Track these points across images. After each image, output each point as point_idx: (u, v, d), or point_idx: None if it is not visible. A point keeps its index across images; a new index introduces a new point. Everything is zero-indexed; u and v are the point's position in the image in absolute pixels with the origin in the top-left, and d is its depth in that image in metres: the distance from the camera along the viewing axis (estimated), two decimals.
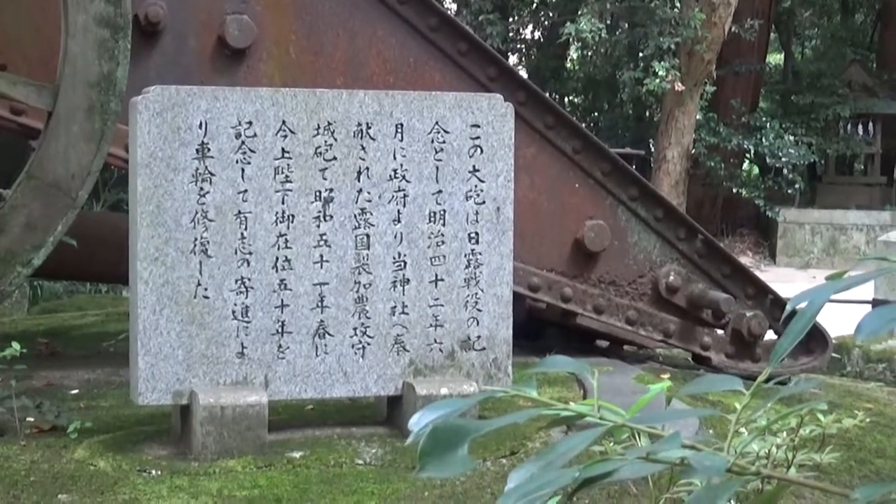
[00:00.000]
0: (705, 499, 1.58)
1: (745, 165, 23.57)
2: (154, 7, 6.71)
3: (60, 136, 5.79)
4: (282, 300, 5.46)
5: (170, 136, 5.35)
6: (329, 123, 5.51)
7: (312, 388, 5.49)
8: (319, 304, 5.47)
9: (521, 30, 25.17)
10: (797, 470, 3.00)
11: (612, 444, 3.16)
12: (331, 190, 5.48)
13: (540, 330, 7.26)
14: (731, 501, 1.74)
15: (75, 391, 6.38)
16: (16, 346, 5.97)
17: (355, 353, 5.51)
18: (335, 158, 5.49)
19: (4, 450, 5.41)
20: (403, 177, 5.57)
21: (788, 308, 1.80)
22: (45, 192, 5.78)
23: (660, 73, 18.98)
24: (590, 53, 24.15)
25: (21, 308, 8.98)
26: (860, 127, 24.35)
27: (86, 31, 5.78)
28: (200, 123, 5.36)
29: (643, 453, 1.62)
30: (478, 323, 5.67)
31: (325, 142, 5.52)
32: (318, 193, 5.47)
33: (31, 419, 5.75)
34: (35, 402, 5.88)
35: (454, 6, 24.10)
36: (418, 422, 1.66)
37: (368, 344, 5.52)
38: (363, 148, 5.51)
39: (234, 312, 5.39)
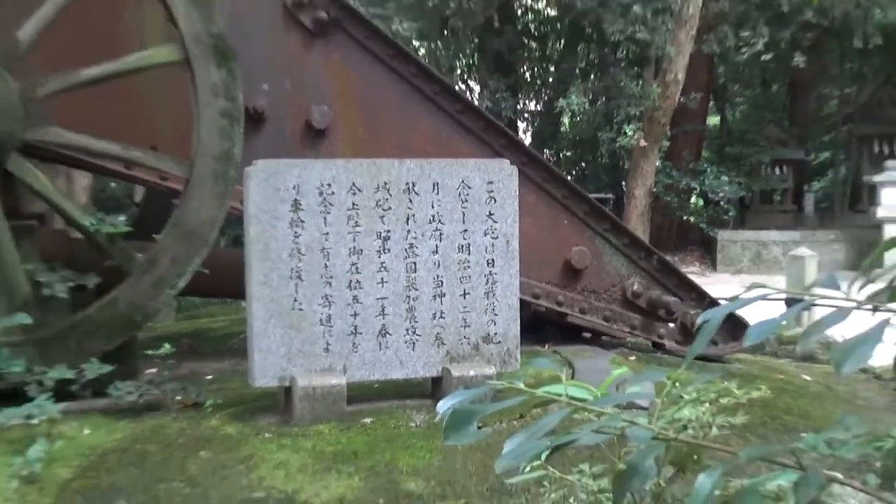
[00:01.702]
0: (637, 459, 1.68)
1: (693, 199, 23.44)
2: (260, 101, 6.69)
3: (195, 196, 5.83)
4: (354, 311, 5.46)
5: (272, 195, 5.37)
6: (385, 183, 5.51)
7: (378, 373, 5.52)
8: (381, 312, 5.50)
9: (526, 103, 25.17)
10: (718, 430, 3.02)
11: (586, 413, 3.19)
12: (388, 231, 5.50)
13: (541, 326, 7.24)
14: (662, 457, 1.79)
15: (210, 377, 6.48)
16: (167, 346, 6.10)
17: (407, 347, 5.56)
18: (390, 208, 5.49)
19: (160, 420, 5.47)
20: (439, 220, 5.60)
21: (699, 321, 1.89)
22: (185, 236, 5.82)
23: (629, 133, 18.97)
24: (577, 120, 24.10)
25: (170, 316, 9.04)
26: (776, 169, 24.23)
27: (212, 121, 5.82)
28: (294, 185, 5.38)
29: (595, 427, 1.71)
30: (495, 324, 5.70)
31: (383, 196, 5.51)
32: (378, 234, 5.49)
33: (179, 398, 5.80)
34: (181, 385, 6.03)
35: (477, 87, 24.15)
36: (443, 405, 1.77)
37: (417, 340, 5.57)
38: (410, 200, 5.54)
39: (320, 320, 5.41)
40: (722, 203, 23.26)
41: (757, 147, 24.39)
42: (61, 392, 5.32)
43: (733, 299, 1.83)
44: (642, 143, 19.12)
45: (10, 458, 4.75)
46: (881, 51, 23.26)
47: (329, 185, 5.47)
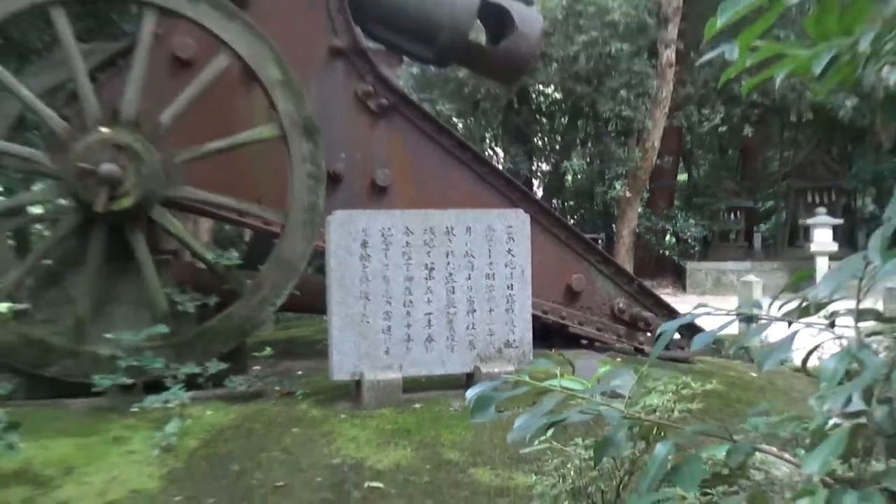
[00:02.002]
0: (611, 433, 1.75)
1: (667, 237, 23.28)
2: (338, 166, 6.64)
3: (289, 237, 5.82)
4: (408, 323, 5.44)
5: (347, 237, 5.37)
6: (431, 227, 5.50)
7: (425, 370, 5.51)
8: (428, 324, 5.49)
9: (539, 165, 25.17)
10: (679, 413, 3.05)
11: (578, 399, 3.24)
12: (433, 263, 5.50)
13: (549, 335, 7.15)
14: (630, 433, 1.85)
15: (300, 373, 6.44)
16: (268, 349, 6.19)
17: (448, 350, 5.53)
18: (435, 246, 5.47)
19: (263, 405, 5.46)
20: (471, 255, 5.59)
21: (659, 331, 1.96)
22: (282, 267, 5.82)
23: (617, 187, 18.92)
24: (578, 177, 24.07)
25: (270, 327, 9.07)
26: (731, 214, 24.06)
27: (302, 181, 5.82)
28: (363, 229, 5.38)
29: (580, 409, 1.78)
30: (513, 333, 5.68)
31: (429, 237, 5.49)
32: (426, 265, 5.48)
33: (277, 388, 5.81)
34: (279, 379, 6.01)
35: (501, 152, 24.24)
36: (471, 393, 1.85)
37: (455, 345, 5.55)
38: (450, 240, 5.54)
39: (382, 330, 5.40)
40: (689, 240, 23.08)
41: (716, 198, 24.21)
42: (190, 383, 5.39)
43: (686, 315, 1.91)
44: (627, 194, 19.03)
45: (153, 433, 4.80)
46: (812, 123, 23.17)
47: (389, 228, 5.46)
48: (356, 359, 5.40)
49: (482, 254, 5.68)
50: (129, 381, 5.27)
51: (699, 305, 1.89)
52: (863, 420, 1.55)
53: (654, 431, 2.05)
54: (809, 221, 20.53)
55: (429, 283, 5.58)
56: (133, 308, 5.74)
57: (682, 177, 27.38)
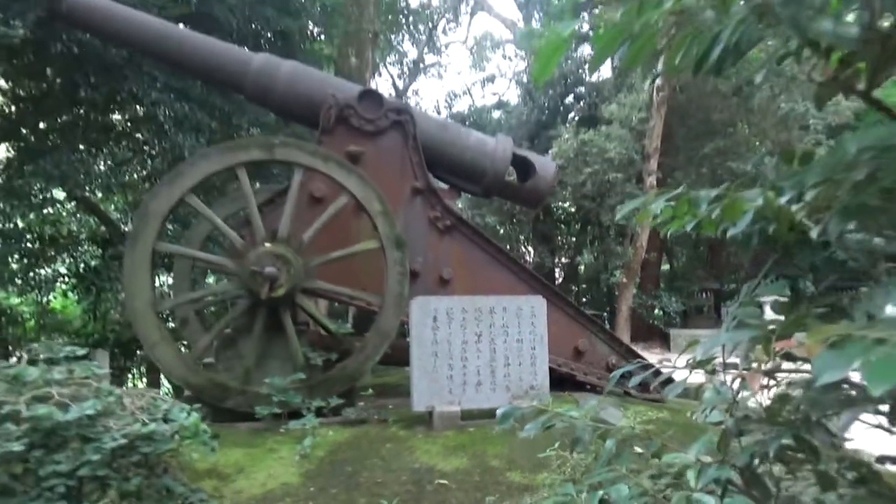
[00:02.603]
0: (579, 435, 2.11)
1: (655, 311, 23.10)
2: (416, 266, 6.75)
3: (385, 314, 6.03)
4: (464, 373, 5.57)
5: (423, 314, 5.58)
6: (479, 308, 5.67)
7: (476, 405, 5.55)
8: (477, 374, 5.61)
9: (560, 260, 25.33)
10: (638, 429, 3.27)
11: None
12: (480, 332, 5.66)
13: (561, 382, 7.00)
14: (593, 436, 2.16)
15: (391, 406, 6.35)
16: (370, 390, 6.27)
17: (491, 391, 5.62)
18: (481, 320, 5.64)
19: (367, 428, 5.53)
20: (506, 326, 5.72)
21: (611, 374, 2.29)
22: (380, 335, 6.00)
23: (617, 275, 19.03)
24: (588, 268, 24.13)
25: (369, 375, 9.23)
26: (703, 294, 23.83)
27: (394, 277, 6.06)
28: (434, 309, 5.60)
29: (566, 423, 2.12)
30: (535, 380, 5.75)
31: (478, 314, 5.64)
32: (476, 333, 5.65)
33: (376, 417, 5.84)
34: (377, 411, 6.00)
35: (531, 250, 24.51)
36: (499, 414, 2.19)
37: (496, 388, 5.64)
38: (492, 317, 5.70)
39: (446, 377, 5.54)
40: (672, 313, 22.81)
41: (691, 282, 23.86)
42: (318, 413, 5.55)
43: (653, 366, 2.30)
44: (624, 280, 19.10)
45: (294, 446, 5.02)
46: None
47: (451, 309, 5.64)
48: (429, 397, 5.53)
49: (514, 325, 5.78)
50: (279, 410, 5.50)
51: (662, 360, 2.23)
52: (723, 426, 1.93)
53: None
54: (762, 299, 20.18)
55: (478, 346, 5.70)
56: (282, 362, 5.98)
57: (665, 266, 27.15)
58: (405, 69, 27.78)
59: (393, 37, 24.86)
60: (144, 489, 3.10)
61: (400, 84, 27.79)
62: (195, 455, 4.52)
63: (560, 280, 24.31)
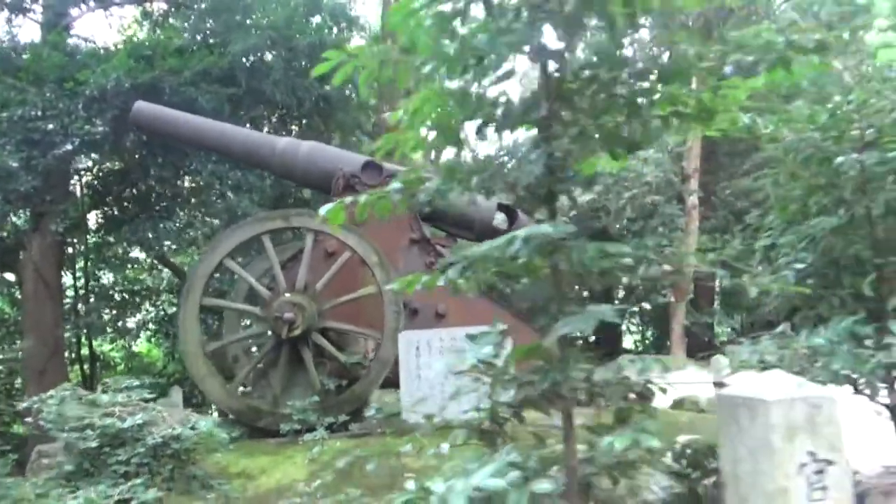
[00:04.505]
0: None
1: (716, 328, 23.18)
2: (416, 305, 7.82)
3: (385, 346, 7.12)
4: (442, 391, 6.36)
5: (409, 345, 6.63)
6: (454, 338, 6.59)
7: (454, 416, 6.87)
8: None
9: None
10: None
11: None
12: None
13: None
14: None
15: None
16: (374, 409, 6.89)
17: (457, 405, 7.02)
18: (457, 347, 6.31)
19: (368, 439, 6.43)
20: None
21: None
22: (381, 363, 7.11)
23: (665, 295, 19.55)
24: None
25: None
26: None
27: (390, 315, 7.16)
28: (417, 340, 6.68)
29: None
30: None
31: (452, 343, 6.54)
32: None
33: (378, 430, 6.59)
34: (378, 424, 6.65)
35: None
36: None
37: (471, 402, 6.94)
38: (468, 345, 7.05)
39: (428, 396, 6.37)
40: (735, 329, 22.98)
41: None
42: (330, 428, 6.54)
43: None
44: (674, 300, 19.79)
45: (307, 453, 6.14)
46: None
47: (430, 339, 6.74)
48: (414, 411, 6.44)
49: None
50: (298, 427, 6.75)
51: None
52: None
53: None
54: None
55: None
56: (303, 388, 7.33)
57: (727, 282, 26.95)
58: None
59: None
60: (176, 474, 4.71)
61: None
62: (229, 460, 6.07)
63: None
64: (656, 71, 2.95)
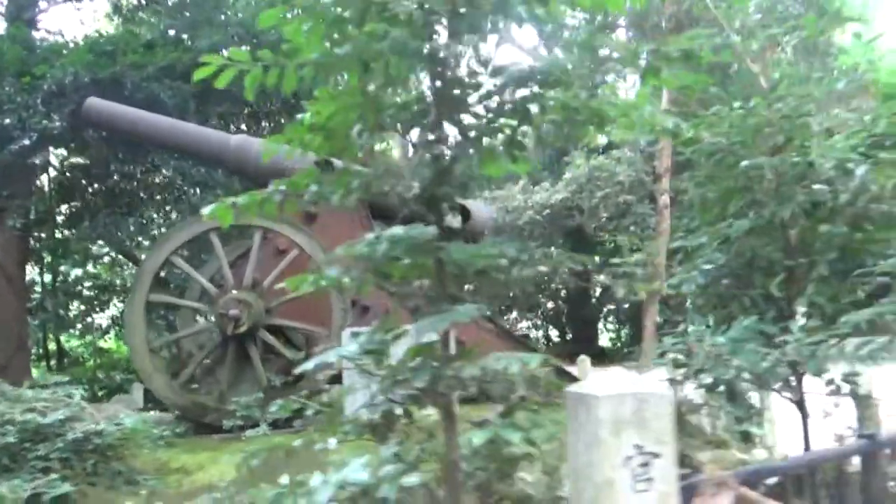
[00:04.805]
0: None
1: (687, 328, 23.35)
2: (364, 303, 7.78)
3: (332, 342, 6.89)
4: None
5: (350, 339, 7.01)
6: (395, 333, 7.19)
7: None
8: None
9: None
10: None
11: None
12: (396, 352, 7.22)
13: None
14: None
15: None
16: (317, 406, 7.92)
17: None
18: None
19: (310, 434, 6.23)
20: None
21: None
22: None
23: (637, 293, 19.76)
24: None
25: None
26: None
27: (338, 312, 7.21)
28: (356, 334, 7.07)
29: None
30: None
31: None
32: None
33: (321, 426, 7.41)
34: (317, 422, 7.12)
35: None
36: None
37: None
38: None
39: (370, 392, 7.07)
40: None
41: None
42: (273, 423, 6.39)
43: None
44: (645, 298, 20.02)
45: (246, 448, 6.56)
46: None
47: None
48: (356, 406, 6.83)
49: None
50: (242, 423, 6.78)
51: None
52: None
53: None
54: None
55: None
56: (250, 385, 7.31)
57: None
58: None
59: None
60: (100, 469, 4.79)
61: None
62: (170, 455, 6.16)
63: None
64: (538, 77, 3.05)
